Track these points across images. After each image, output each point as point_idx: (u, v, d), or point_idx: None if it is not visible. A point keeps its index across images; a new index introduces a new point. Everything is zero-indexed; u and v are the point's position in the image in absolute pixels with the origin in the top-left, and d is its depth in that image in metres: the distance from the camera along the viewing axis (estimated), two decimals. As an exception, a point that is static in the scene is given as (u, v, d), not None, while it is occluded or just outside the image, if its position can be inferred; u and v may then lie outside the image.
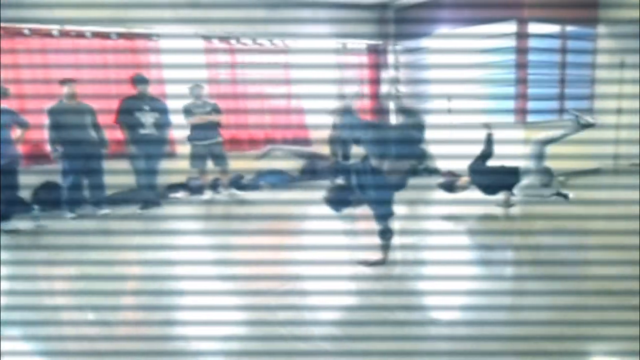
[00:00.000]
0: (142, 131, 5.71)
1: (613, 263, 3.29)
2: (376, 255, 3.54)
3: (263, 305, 2.91)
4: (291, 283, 3.29)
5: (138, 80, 5.72)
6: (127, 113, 5.65)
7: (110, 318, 2.84)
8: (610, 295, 2.91)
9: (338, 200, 3.57)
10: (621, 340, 2.43)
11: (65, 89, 5.35)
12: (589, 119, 4.71)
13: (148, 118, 5.73)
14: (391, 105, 8.39)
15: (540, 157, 4.75)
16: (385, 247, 3.52)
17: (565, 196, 5.00)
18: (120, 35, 6.29)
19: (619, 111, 7.44)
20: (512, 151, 5.14)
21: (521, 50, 6.53)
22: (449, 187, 5.12)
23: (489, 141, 4.96)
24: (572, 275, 3.31)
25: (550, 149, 4.80)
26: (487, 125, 4.99)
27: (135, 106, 5.68)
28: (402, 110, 3.66)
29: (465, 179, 5.00)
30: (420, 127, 3.63)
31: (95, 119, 5.53)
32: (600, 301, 2.84)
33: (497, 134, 5.05)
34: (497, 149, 4.99)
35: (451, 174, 7.06)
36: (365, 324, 2.68)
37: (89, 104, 5.53)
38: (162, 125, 5.88)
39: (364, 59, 8.16)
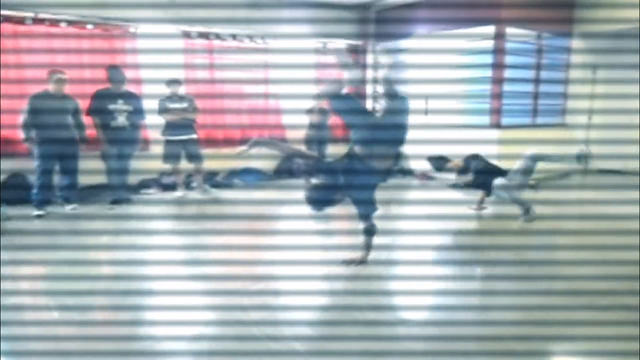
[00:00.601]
0: (114, 123, 5.57)
1: (581, 263, 3.36)
2: (358, 255, 3.55)
3: (235, 305, 2.87)
4: (264, 283, 3.26)
5: (113, 76, 5.58)
6: (99, 107, 5.50)
7: (78, 318, 2.74)
8: (577, 295, 2.97)
9: (321, 199, 3.53)
10: (588, 340, 2.47)
11: (52, 79, 5.19)
12: (588, 152, 4.75)
13: (121, 112, 5.59)
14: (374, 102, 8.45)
15: (528, 172, 4.70)
16: (369, 246, 3.54)
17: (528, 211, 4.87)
18: (97, 24, 6.13)
19: (590, 112, 7.64)
20: (486, 152, 5.24)
21: (498, 53, 6.63)
22: (439, 166, 5.09)
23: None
24: (540, 275, 3.38)
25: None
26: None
27: (108, 100, 5.54)
28: (389, 95, 3.57)
29: (457, 162, 5.00)
30: (406, 112, 3.57)
31: (78, 115, 5.40)
32: (568, 301, 2.90)
33: (473, 135, 5.12)
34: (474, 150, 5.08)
35: (425, 175, 7.17)
36: (338, 324, 2.67)
37: (75, 100, 5.39)
38: (135, 119, 5.75)
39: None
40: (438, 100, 7.26)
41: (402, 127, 3.50)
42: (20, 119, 5.14)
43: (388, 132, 3.41)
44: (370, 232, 3.52)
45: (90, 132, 5.57)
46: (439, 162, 5.09)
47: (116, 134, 5.58)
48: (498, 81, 6.65)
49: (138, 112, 5.77)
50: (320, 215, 3.87)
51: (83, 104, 5.47)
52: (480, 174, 4.90)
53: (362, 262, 3.53)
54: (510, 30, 6.60)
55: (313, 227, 4.64)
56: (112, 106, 5.55)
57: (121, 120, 5.60)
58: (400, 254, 3.98)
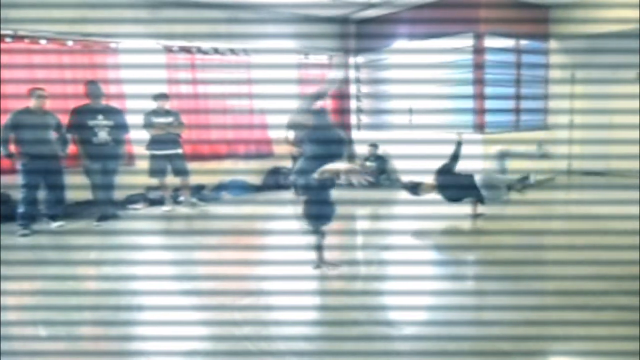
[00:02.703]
0: (96, 140, 5.48)
1: (571, 263, 3.39)
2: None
3: (227, 320, 2.82)
4: (254, 297, 3.21)
5: (91, 92, 5.50)
6: (79, 123, 5.41)
7: (67, 334, 2.69)
8: (568, 295, 2.99)
9: (320, 215, 3.46)
10: (580, 340, 2.49)
11: (33, 98, 5.15)
12: (547, 150, 5.05)
13: (102, 128, 5.51)
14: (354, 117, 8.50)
15: (502, 169, 4.99)
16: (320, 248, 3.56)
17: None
18: (77, 41, 6.10)
19: (571, 119, 7.77)
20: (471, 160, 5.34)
21: (478, 63, 6.71)
22: (413, 189, 5.12)
23: (457, 150, 5.11)
24: (530, 275, 3.40)
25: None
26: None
27: (88, 116, 5.46)
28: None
29: (429, 183, 5.04)
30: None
31: (61, 130, 5.36)
32: (559, 301, 2.92)
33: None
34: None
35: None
36: (326, 324, 2.67)
37: (56, 116, 5.34)
38: (118, 134, 5.67)
39: (325, 73, 8.18)
40: (421, 103, 7.32)
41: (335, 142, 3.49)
42: None
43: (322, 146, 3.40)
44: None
45: (73, 148, 5.53)
46: (414, 189, 5.13)
47: (98, 150, 5.50)
48: (479, 85, 6.74)
49: (120, 127, 5.70)
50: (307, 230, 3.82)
51: (65, 120, 5.42)
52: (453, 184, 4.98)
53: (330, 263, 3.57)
54: (489, 36, 6.71)
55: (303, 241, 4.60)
56: (92, 122, 5.47)
57: (102, 135, 5.51)
58: (389, 258, 3.99)
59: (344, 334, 2.57)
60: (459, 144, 5.13)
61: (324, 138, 3.43)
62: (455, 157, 5.08)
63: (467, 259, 4.00)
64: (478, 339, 2.49)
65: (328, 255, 3.65)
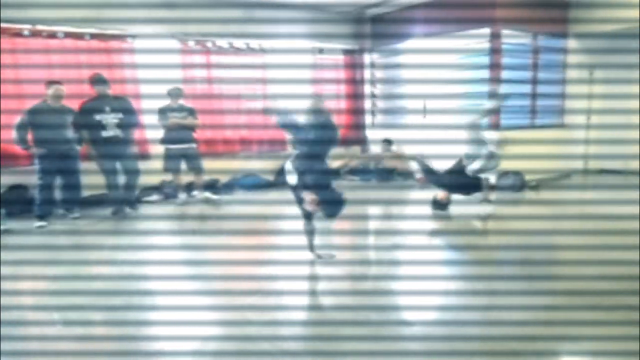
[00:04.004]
0: (105, 134, 5.45)
1: (585, 263, 3.34)
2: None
3: (239, 320, 2.77)
4: (268, 297, 3.15)
5: (96, 81, 5.45)
6: (86, 116, 5.38)
7: (75, 334, 2.66)
8: (581, 295, 2.96)
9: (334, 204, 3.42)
10: (592, 340, 2.46)
11: (50, 91, 5.21)
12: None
13: (110, 119, 5.48)
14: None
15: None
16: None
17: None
18: (94, 36, 6.18)
19: (589, 113, 7.65)
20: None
21: (495, 57, 6.61)
22: (442, 205, 5.20)
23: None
24: (543, 275, 3.36)
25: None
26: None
27: (95, 108, 5.41)
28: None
29: (444, 194, 5.13)
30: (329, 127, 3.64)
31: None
32: (571, 301, 2.89)
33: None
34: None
35: (425, 180, 7.16)
36: (336, 324, 2.65)
37: (73, 110, 5.38)
38: (127, 125, 5.61)
39: (341, 72, 8.22)
40: (436, 101, 7.27)
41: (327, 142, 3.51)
42: (15, 129, 5.14)
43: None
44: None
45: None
46: (441, 205, 5.15)
47: (108, 145, 5.45)
48: (496, 81, 6.67)
49: (129, 116, 5.61)
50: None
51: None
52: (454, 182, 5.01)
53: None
54: (506, 31, 6.63)
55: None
56: (99, 117, 5.41)
57: (111, 129, 5.46)
58: (401, 254, 3.98)
59: (355, 333, 2.56)
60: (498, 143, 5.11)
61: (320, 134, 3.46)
62: (491, 156, 4.98)
63: (476, 258, 3.96)
64: (487, 339, 2.48)
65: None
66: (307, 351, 2.41)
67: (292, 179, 3.40)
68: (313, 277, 3.38)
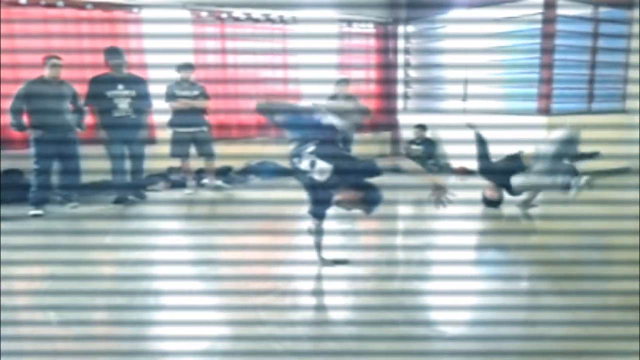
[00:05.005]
0: (117, 114, 5.05)
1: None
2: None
3: (250, 320, 2.57)
4: (279, 296, 2.94)
5: (111, 54, 5.04)
6: (97, 94, 4.99)
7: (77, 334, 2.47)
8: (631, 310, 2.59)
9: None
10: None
11: (47, 67, 4.77)
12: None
13: (122, 99, 5.05)
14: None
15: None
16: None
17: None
18: (96, 5, 5.68)
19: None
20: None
21: (547, 32, 5.90)
22: (494, 203, 4.84)
23: (481, 141, 4.77)
24: (591, 289, 2.88)
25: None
26: (471, 126, 4.80)
27: (107, 81, 5.02)
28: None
29: (492, 191, 4.82)
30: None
31: (77, 101, 4.99)
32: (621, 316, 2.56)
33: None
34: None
35: (463, 170, 6.50)
36: (367, 339, 2.38)
37: (72, 86, 4.97)
38: (140, 106, 5.20)
39: (371, 42, 7.58)
40: (477, 84, 6.64)
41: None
42: (10, 104, 4.73)
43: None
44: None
45: (91, 121, 5.18)
46: (492, 202, 4.85)
47: (118, 127, 5.07)
48: (547, 64, 5.95)
49: (143, 97, 5.22)
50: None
51: (82, 91, 5.04)
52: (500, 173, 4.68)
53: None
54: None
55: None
56: (111, 92, 5.01)
57: (123, 107, 5.06)
58: (434, 258, 3.67)
59: (379, 334, 2.42)
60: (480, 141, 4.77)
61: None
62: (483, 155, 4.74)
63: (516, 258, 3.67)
64: (531, 355, 2.22)
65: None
66: (317, 351, 2.27)
67: (318, 175, 3.13)
68: (336, 292, 3.07)
